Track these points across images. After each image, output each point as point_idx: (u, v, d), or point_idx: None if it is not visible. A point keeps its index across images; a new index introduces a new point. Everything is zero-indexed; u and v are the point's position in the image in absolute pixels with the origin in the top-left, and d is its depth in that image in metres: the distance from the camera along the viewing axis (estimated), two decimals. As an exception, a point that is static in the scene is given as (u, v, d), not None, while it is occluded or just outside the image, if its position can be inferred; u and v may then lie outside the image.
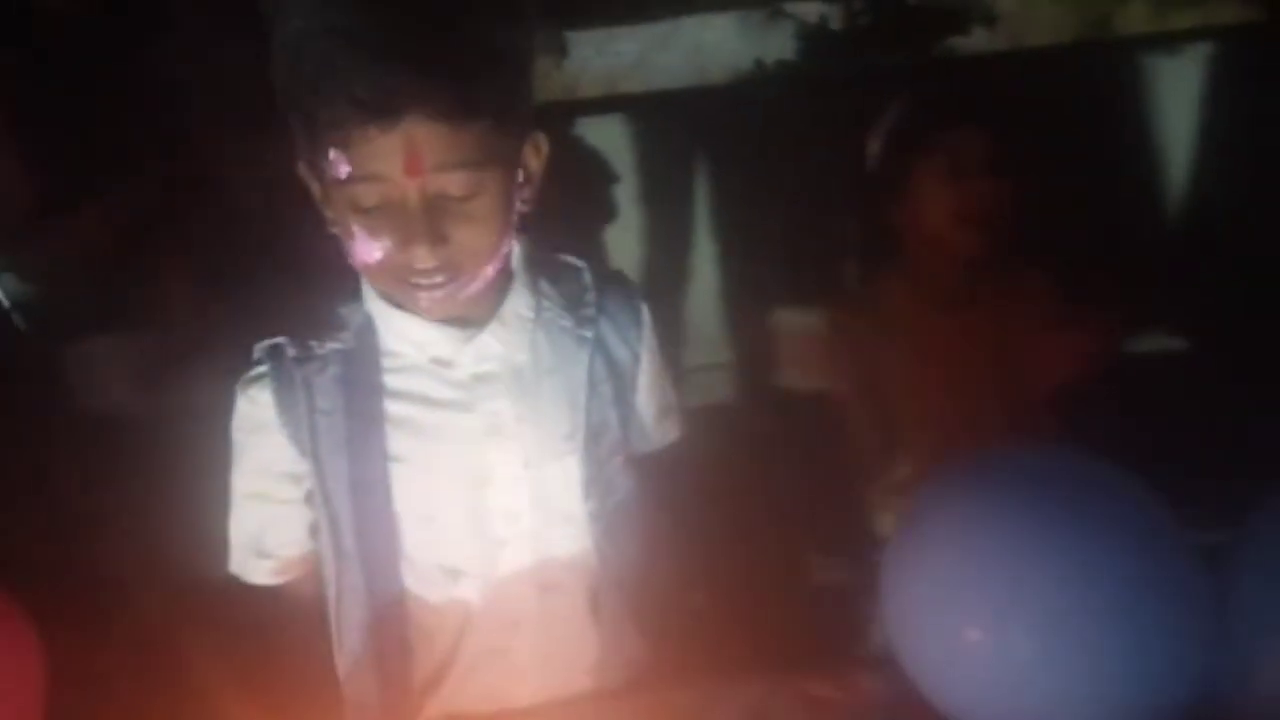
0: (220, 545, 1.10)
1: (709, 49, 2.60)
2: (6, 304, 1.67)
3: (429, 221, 0.93)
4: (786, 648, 1.12)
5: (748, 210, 2.65)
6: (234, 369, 1.05)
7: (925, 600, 0.94)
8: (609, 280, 1.12)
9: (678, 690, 1.10)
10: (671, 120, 2.57)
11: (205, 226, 1.59)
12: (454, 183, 0.93)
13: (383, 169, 0.92)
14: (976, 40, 2.46)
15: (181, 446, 1.14)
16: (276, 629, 1.13)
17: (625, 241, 2.66)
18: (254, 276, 1.50)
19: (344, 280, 1.04)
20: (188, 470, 1.11)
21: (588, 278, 1.11)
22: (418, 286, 0.98)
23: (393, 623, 1.07)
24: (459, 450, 1.05)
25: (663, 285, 2.74)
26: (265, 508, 1.09)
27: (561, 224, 1.12)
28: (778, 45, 2.56)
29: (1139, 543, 0.91)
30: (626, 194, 2.62)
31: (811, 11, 2.54)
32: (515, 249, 1.06)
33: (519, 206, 1.01)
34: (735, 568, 1.21)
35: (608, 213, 2.49)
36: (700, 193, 2.69)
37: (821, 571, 1.39)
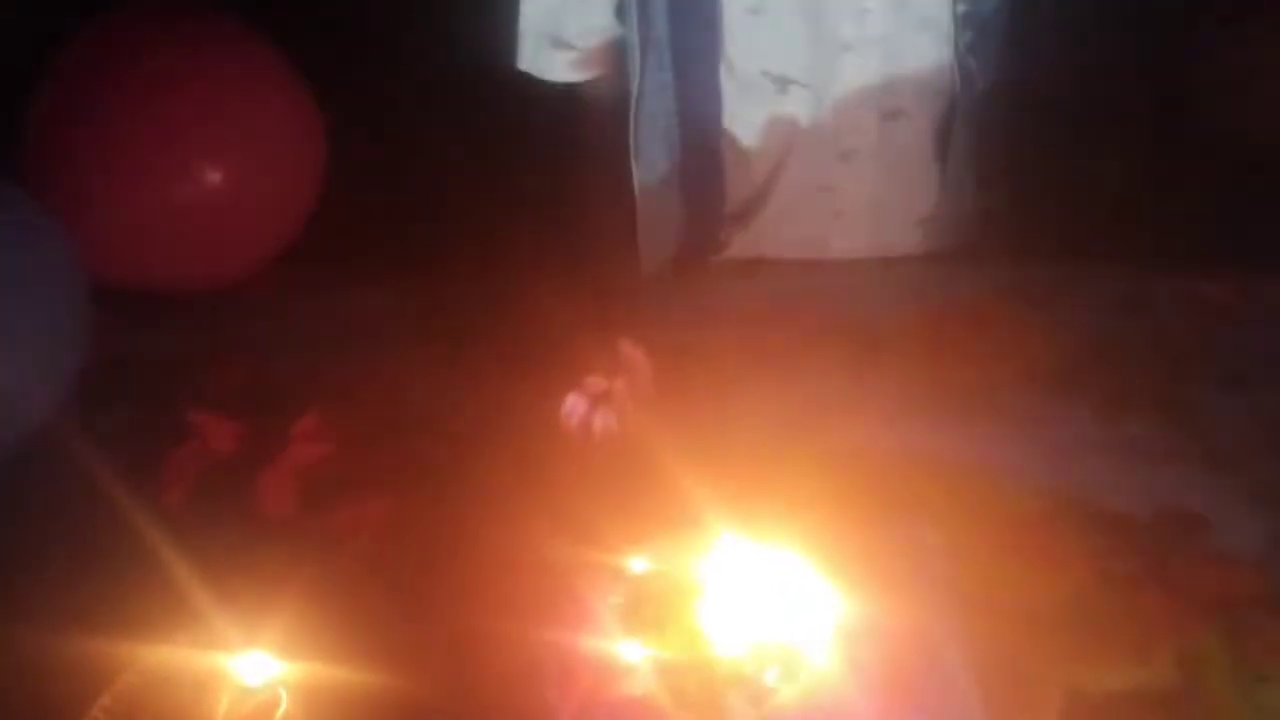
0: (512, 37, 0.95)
1: None
2: None
3: None
4: (1171, 240, 0.88)
5: None
6: None
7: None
8: None
9: (1028, 267, 0.91)
10: None
11: None
12: None
13: None
14: None
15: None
16: (570, 134, 0.99)
17: None
18: None
19: None
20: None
21: None
22: None
23: (703, 135, 0.92)
24: None
25: None
26: None
27: None
28: None
29: None
30: None
31: None
32: None
33: None
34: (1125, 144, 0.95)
35: None
36: None
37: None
